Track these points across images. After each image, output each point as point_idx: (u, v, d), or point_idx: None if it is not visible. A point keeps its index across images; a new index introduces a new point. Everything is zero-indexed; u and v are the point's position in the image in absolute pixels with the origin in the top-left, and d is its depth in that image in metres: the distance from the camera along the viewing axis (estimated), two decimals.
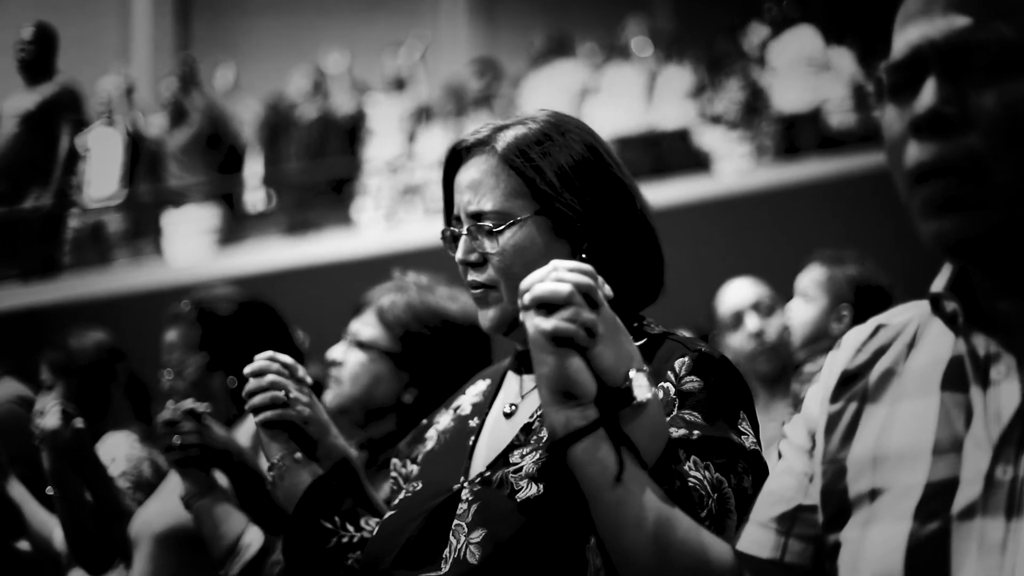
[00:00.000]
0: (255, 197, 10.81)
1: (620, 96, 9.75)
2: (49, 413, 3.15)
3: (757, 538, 1.43)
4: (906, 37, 1.22)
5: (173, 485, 2.99)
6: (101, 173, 9.38)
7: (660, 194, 8.26)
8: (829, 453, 1.36)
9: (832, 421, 1.37)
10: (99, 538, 3.20)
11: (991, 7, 1.17)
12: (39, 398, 3.74)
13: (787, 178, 8.20)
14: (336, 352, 2.84)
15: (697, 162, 9.41)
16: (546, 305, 1.45)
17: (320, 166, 10.06)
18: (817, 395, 1.43)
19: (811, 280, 3.68)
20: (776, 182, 8.27)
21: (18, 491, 3.40)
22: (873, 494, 1.27)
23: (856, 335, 1.43)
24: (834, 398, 1.39)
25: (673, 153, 9.59)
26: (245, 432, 2.95)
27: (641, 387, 1.47)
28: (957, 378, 1.25)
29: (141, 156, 9.75)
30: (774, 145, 9.01)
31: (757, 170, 8.89)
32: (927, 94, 1.18)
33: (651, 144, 9.64)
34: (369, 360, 2.77)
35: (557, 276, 1.46)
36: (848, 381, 1.38)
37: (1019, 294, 1.22)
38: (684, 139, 9.70)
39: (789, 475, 1.43)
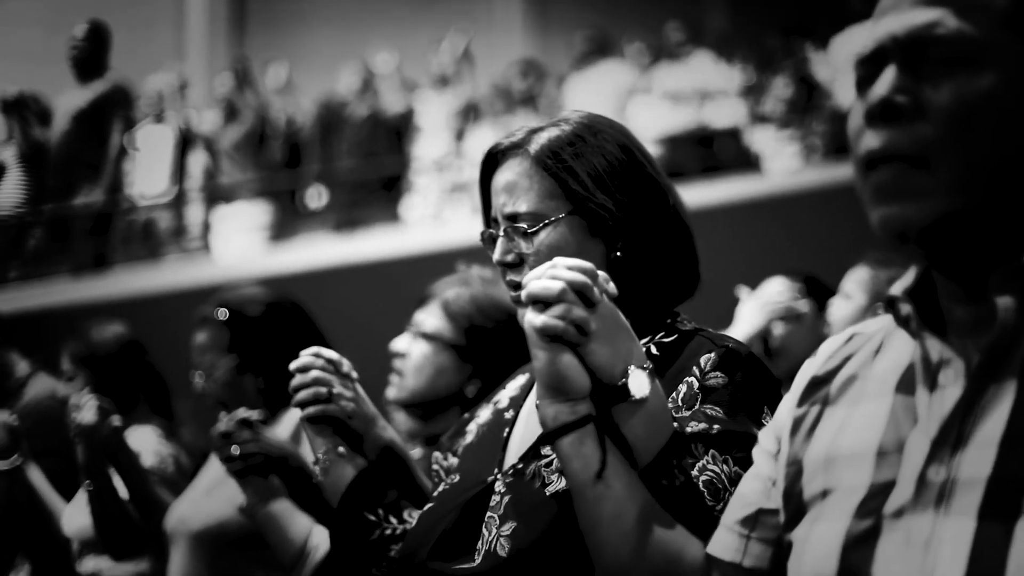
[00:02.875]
0: (309, 194, 10.87)
1: (669, 96, 9.71)
2: (86, 408, 3.19)
3: (723, 541, 1.46)
4: (874, 32, 1.24)
5: (206, 483, 3.02)
6: (151, 170, 9.47)
7: (710, 193, 8.24)
8: (791, 455, 1.38)
9: (796, 424, 1.40)
10: (129, 528, 3.25)
11: (956, 3, 1.19)
12: (61, 388, 3.80)
13: (836, 178, 8.12)
14: (400, 343, 2.87)
15: (747, 161, 9.36)
16: (540, 301, 1.50)
17: (370, 164, 10.10)
18: (787, 401, 1.46)
19: (854, 280, 3.68)
20: (825, 181, 8.20)
21: (37, 480, 3.45)
22: (824, 494, 1.30)
23: (831, 343, 1.46)
24: (800, 402, 1.42)
25: (723, 152, 9.55)
26: (283, 432, 2.96)
27: (639, 384, 1.51)
28: (909, 382, 1.27)
29: (192, 153, 9.85)
30: (824, 144, 8.94)
31: (806, 169, 8.84)
32: (882, 83, 1.20)
33: (700, 144, 9.60)
34: (433, 352, 2.79)
35: (553, 274, 1.51)
36: (815, 386, 1.41)
37: (969, 298, 1.23)
38: (735, 138, 9.66)
39: (756, 479, 1.46)
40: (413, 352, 2.81)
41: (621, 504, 1.47)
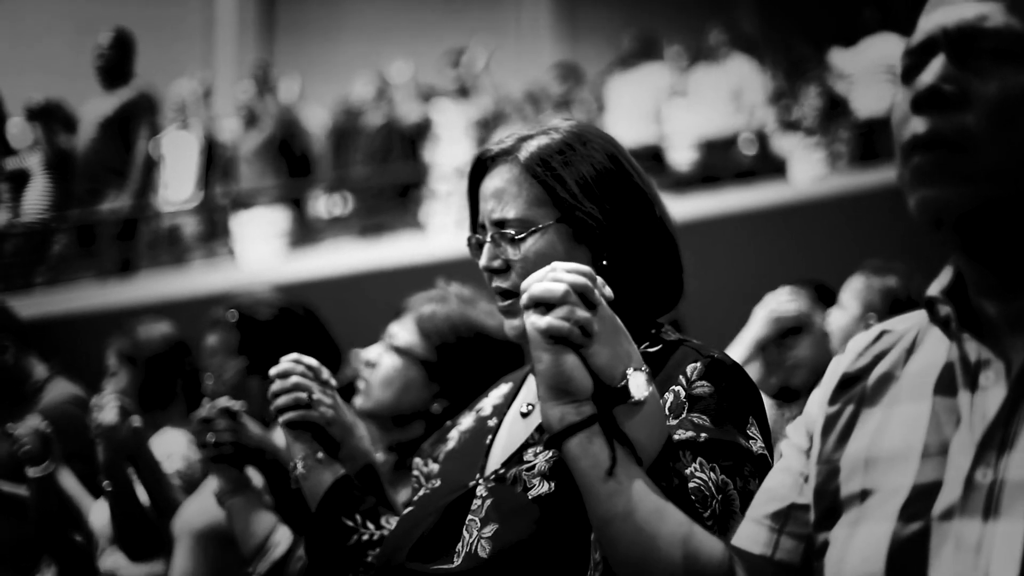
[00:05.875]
0: (329, 202, 10.90)
1: (705, 100, 9.69)
2: (107, 408, 3.20)
3: (751, 534, 1.47)
4: (925, 24, 1.27)
5: (213, 484, 3.03)
6: (177, 176, 9.53)
7: (737, 199, 8.23)
8: (824, 453, 1.39)
9: (829, 422, 1.41)
10: (147, 530, 3.26)
11: (1008, 1, 1.22)
12: (104, 383, 3.81)
13: (861, 184, 8.10)
14: (372, 353, 2.85)
15: (773, 168, 9.35)
16: (543, 304, 1.50)
17: (385, 172, 10.14)
18: (818, 397, 1.46)
19: (850, 289, 3.67)
20: (850, 188, 8.17)
21: (69, 482, 3.47)
22: (863, 495, 1.30)
23: (860, 340, 1.47)
24: (832, 400, 1.42)
25: (753, 158, 9.54)
26: (282, 432, 2.98)
27: (638, 386, 1.51)
28: (949, 383, 1.28)
29: (216, 159, 9.91)
30: (849, 151, 8.92)
31: (831, 176, 8.82)
32: (929, 72, 1.22)
33: (727, 148, 9.60)
34: (403, 366, 2.77)
35: (554, 276, 1.51)
36: (847, 384, 1.42)
37: (1004, 294, 1.24)
38: (762, 144, 9.65)
39: (786, 473, 1.47)
40: (383, 364, 2.79)
41: (633, 499, 1.47)
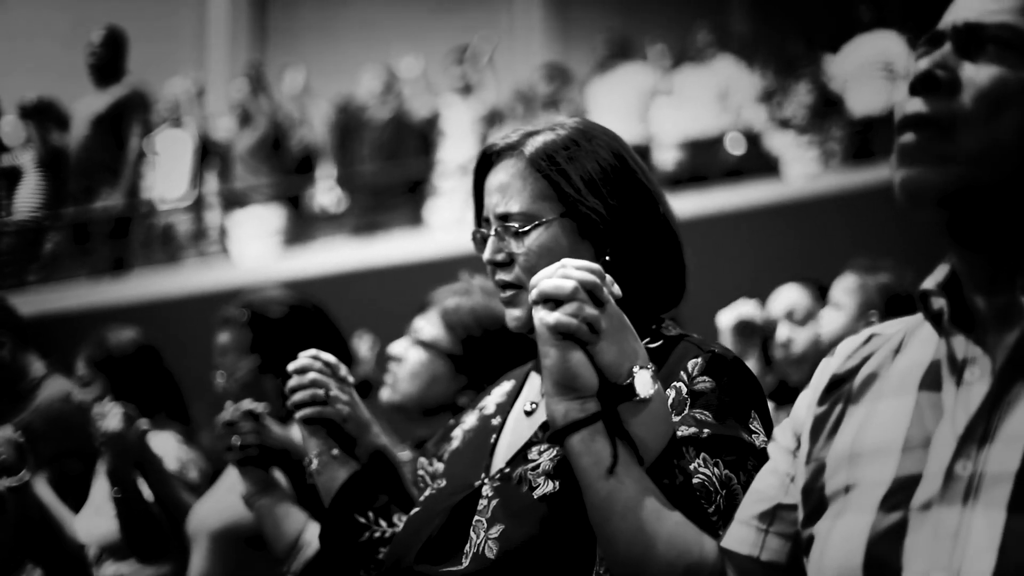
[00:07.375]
0: (327, 198, 10.87)
1: (691, 99, 9.68)
2: (110, 415, 3.19)
3: (738, 534, 1.49)
4: (944, 17, 1.30)
5: (228, 484, 3.03)
6: (170, 174, 9.52)
7: (730, 198, 8.23)
8: (813, 453, 1.40)
9: (818, 423, 1.42)
10: (156, 531, 3.25)
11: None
12: (75, 390, 3.80)
13: (855, 183, 8.10)
14: (398, 348, 2.87)
15: (766, 166, 9.34)
16: (552, 300, 1.51)
17: (394, 167, 10.11)
18: (806, 399, 1.48)
19: (842, 288, 3.65)
20: (844, 186, 8.18)
21: (43, 492, 3.45)
22: (847, 489, 1.32)
23: (849, 343, 1.48)
24: (821, 401, 1.44)
25: (743, 157, 9.53)
26: (299, 431, 2.97)
27: (644, 383, 1.52)
28: (934, 379, 1.30)
29: (209, 158, 9.89)
30: (842, 150, 8.92)
31: (825, 174, 8.82)
32: (928, 59, 1.25)
33: (713, 148, 9.59)
34: (429, 359, 2.80)
35: (563, 273, 1.52)
36: (836, 385, 1.43)
37: (991, 290, 1.26)
38: (754, 143, 9.64)
39: (773, 475, 1.48)
40: (409, 358, 2.82)
41: (633, 498, 1.48)
